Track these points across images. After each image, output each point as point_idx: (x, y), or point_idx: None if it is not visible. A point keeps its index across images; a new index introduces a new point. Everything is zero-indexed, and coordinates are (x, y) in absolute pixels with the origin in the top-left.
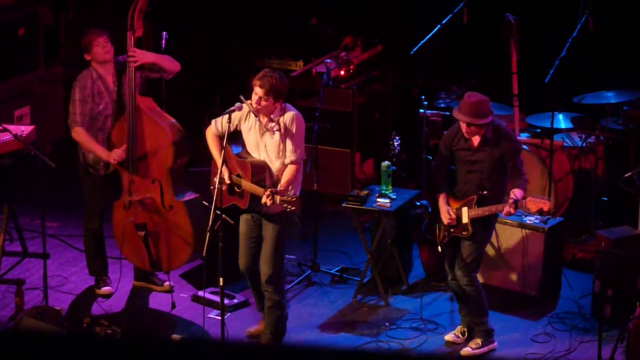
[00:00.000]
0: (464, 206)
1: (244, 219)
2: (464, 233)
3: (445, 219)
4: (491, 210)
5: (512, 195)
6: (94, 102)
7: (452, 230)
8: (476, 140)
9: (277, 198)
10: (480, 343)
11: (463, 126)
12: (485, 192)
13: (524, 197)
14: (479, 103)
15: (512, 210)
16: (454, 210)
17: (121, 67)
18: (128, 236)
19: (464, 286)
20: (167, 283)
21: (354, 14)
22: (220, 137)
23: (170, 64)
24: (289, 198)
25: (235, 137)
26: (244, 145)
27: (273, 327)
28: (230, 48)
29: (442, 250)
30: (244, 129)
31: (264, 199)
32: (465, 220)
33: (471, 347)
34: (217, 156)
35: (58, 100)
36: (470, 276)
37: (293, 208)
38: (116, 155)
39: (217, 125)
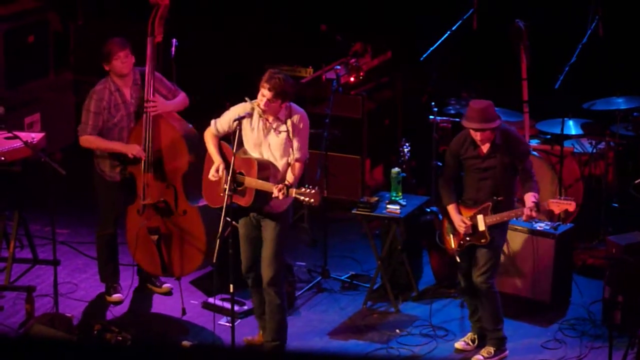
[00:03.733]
0: (479, 214)
1: (242, 222)
2: (482, 241)
3: (460, 229)
4: (510, 216)
5: (531, 199)
6: (110, 114)
7: (468, 239)
8: (486, 147)
9: (292, 191)
10: (492, 352)
11: (476, 134)
12: (500, 197)
13: (538, 201)
14: (486, 108)
15: (533, 214)
16: (468, 218)
17: (140, 78)
18: (141, 240)
19: (482, 293)
20: (166, 285)
21: (363, 20)
22: (219, 138)
23: (178, 107)
24: (307, 190)
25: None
26: (241, 144)
27: (275, 334)
28: (239, 54)
29: (459, 259)
30: (245, 128)
31: (275, 193)
32: (482, 227)
33: (483, 356)
34: (215, 154)
35: (68, 107)
36: (488, 282)
37: (312, 201)
38: (135, 149)
39: (217, 126)
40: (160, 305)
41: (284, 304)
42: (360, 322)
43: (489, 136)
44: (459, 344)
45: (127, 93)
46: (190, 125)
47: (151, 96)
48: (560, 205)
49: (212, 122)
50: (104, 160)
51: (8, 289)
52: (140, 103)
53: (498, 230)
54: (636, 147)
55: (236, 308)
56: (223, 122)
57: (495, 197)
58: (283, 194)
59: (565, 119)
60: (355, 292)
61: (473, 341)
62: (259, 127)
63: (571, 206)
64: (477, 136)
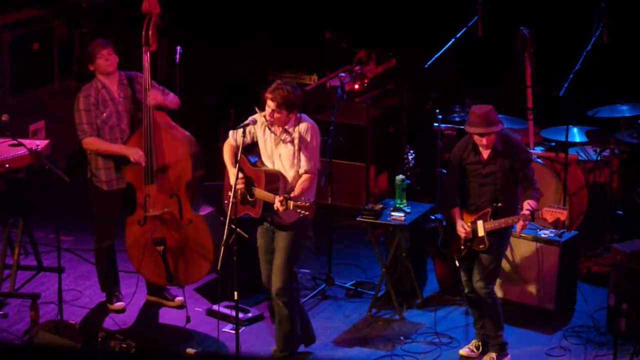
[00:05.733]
0: (479, 219)
1: (260, 232)
2: (481, 246)
3: (461, 234)
4: (507, 223)
5: (526, 206)
6: (98, 110)
7: (468, 244)
8: (486, 153)
9: (290, 204)
10: (495, 357)
11: (482, 139)
12: (499, 204)
13: (537, 209)
14: (488, 112)
15: (527, 223)
16: (469, 224)
17: (130, 82)
18: (146, 251)
19: (481, 298)
20: (178, 298)
21: (368, 27)
22: (236, 148)
23: (173, 103)
24: (303, 203)
25: (252, 147)
26: (259, 156)
27: (282, 345)
28: (244, 62)
29: (460, 264)
30: (260, 139)
31: (276, 205)
32: (481, 233)
33: None
34: (229, 166)
35: (72, 115)
36: (488, 288)
37: (307, 213)
38: (137, 153)
39: (235, 137)
40: (165, 312)
41: (292, 316)
42: (364, 329)
43: (492, 140)
44: (463, 351)
45: (114, 90)
46: (189, 134)
47: (150, 109)
48: (554, 213)
49: (230, 133)
50: (99, 171)
51: (13, 296)
52: (129, 103)
53: (498, 237)
54: None
55: (240, 315)
56: (238, 134)
57: (494, 204)
58: (282, 205)
59: (570, 126)
60: (360, 300)
61: (477, 348)
62: (270, 138)
63: (563, 215)
64: (482, 141)
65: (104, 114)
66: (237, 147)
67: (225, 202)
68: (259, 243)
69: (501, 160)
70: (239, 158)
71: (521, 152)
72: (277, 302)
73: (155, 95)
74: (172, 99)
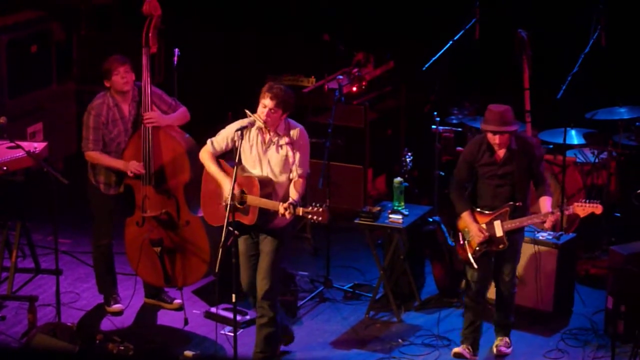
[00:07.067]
0: (496, 220)
1: (242, 237)
2: (500, 246)
3: (478, 237)
4: (531, 220)
5: (543, 203)
6: (107, 129)
7: (485, 245)
8: (502, 152)
9: (300, 210)
10: (509, 341)
11: (494, 138)
12: (518, 203)
13: (561, 206)
14: (504, 112)
15: (555, 219)
16: (485, 225)
17: (139, 94)
18: (143, 252)
19: (506, 296)
20: (177, 301)
21: (366, 29)
22: (216, 157)
23: (183, 120)
24: (315, 209)
25: (230, 153)
26: (239, 161)
27: (265, 346)
28: (242, 64)
29: (478, 266)
30: (244, 144)
31: (281, 211)
32: (499, 233)
33: (505, 347)
34: (217, 172)
35: (70, 117)
36: (514, 283)
37: (320, 219)
38: (133, 166)
39: (215, 145)
40: (163, 315)
41: (277, 318)
42: (362, 331)
43: (507, 140)
44: (457, 349)
45: (126, 109)
46: (188, 135)
47: (149, 108)
48: (586, 208)
49: (209, 141)
50: (100, 173)
51: (10, 298)
52: (137, 119)
53: (516, 235)
54: (638, 156)
55: (238, 318)
56: (220, 140)
57: (513, 203)
58: (289, 212)
59: (568, 128)
60: (358, 302)
61: (469, 350)
62: (257, 142)
63: (597, 209)
64: (495, 139)
65: (113, 133)
66: (217, 155)
67: (224, 206)
68: (241, 248)
69: (518, 160)
70: (236, 159)
71: (537, 149)
72: (263, 304)
73: (153, 119)
74: (177, 117)
